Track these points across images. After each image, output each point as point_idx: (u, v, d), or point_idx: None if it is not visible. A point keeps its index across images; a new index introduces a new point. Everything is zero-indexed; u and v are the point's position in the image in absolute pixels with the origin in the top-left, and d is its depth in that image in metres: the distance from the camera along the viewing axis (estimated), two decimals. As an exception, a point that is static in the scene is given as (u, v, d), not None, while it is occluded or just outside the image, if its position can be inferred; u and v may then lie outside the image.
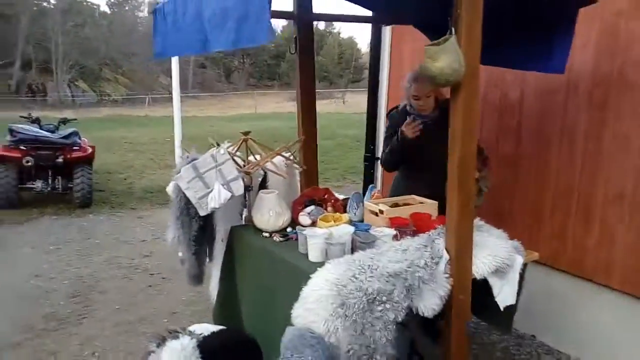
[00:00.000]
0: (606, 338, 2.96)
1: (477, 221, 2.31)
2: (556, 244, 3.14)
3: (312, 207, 2.82)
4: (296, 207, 2.79)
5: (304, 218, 2.75)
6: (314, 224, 2.72)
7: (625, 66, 2.76)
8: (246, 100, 32.14)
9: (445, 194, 2.88)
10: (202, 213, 2.53)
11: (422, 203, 2.70)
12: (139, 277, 4.62)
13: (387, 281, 1.85)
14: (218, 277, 2.89)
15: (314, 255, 2.22)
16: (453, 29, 1.85)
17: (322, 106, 29.38)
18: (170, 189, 2.75)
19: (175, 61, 5.23)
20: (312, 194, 2.88)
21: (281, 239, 2.52)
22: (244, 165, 2.64)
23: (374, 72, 4.36)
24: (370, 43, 4.36)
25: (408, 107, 2.98)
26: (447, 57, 1.81)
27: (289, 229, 2.66)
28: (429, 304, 1.90)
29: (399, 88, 4.30)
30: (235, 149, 2.69)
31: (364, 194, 2.95)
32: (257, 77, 47.37)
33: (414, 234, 2.30)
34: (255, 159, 2.79)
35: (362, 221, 2.62)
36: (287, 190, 3.02)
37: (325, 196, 2.87)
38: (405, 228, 2.33)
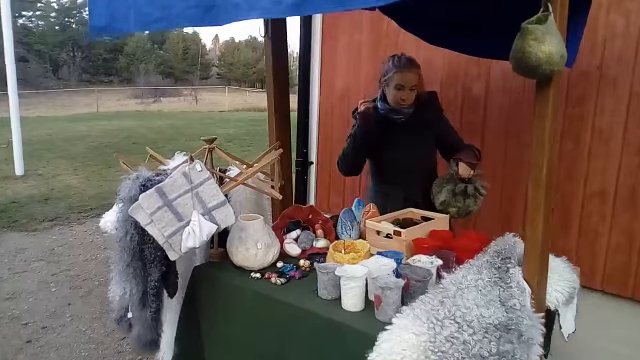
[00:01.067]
0: (591, 339, 2.88)
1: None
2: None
3: (298, 231, 2.25)
4: (277, 233, 2.18)
5: (291, 247, 2.17)
6: (304, 253, 2.15)
7: (606, 61, 2.67)
8: (82, 98, 28.68)
9: (421, 200, 2.54)
10: (173, 257, 1.79)
11: (431, 219, 2.29)
12: (8, 330, 3.50)
13: (498, 338, 1.39)
14: (170, 336, 2.14)
15: (352, 304, 1.67)
16: (549, 5, 1.45)
17: (173, 104, 27.67)
18: (107, 224, 1.94)
19: (8, 50, 4.05)
20: (294, 214, 2.29)
21: (282, 280, 1.90)
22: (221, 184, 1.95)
23: (304, 66, 3.84)
24: (300, 33, 3.82)
25: (378, 103, 2.54)
26: (554, 40, 1.41)
27: (279, 264, 2.05)
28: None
29: (331, 84, 3.88)
30: (203, 161, 1.98)
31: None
32: (91, 72, 42.90)
33: (458, 261, 1.88)
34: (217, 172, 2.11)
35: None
36: (255, 210, 2.38)
37: (310, 216, 2.30)
38: (444, 254, 1.89)
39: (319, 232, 2.26)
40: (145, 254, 1.85)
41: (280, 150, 2.09)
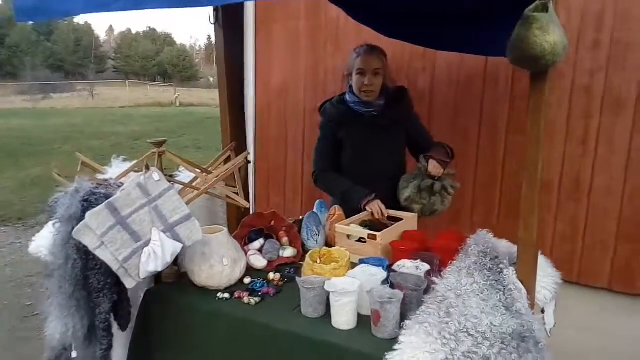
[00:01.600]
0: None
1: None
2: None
3: (261, 240, 2.04)
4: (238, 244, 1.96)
5: (256, 258, 1.96)
6: (271, 264, 1.95)
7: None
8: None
9: (390, 203, 2.46)
10: (130, 284, 1.51)
11: (399, 219, 2.19)
12: None
13: (516, 348, 1.29)
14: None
15: (345, 321, 1.51)
16: (548, -7, 1.37)
17: (66, 101, 25.48)
18: (40, 249, 1.60)
19: None
20: (256, 222, 2.07)
21: (256, 299, 1.68)
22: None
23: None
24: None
25: (347, 96, 2.40)
26: (557, 30, 1.34)
27: (247, 280, 1.83)
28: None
29: (267, 78, 3.64)
30: (155, 166, 1.70)
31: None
32: (-35, 65, 38.45)
33: (442, 264, 1.78)
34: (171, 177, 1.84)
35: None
36: (208, 220, 2.14)
37: (273, 222, 2.10)
38: (427, 257, 1.79)
39: (284, 240, 2.07)
40: (92, 282, 1.55)
41: (248, 152, 1.86)
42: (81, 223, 1.42)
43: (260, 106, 3.66)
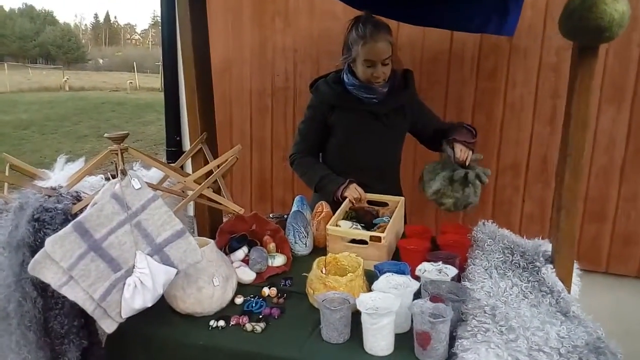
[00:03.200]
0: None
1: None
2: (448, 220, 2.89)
3: (245, 248, 1.73)
4: (217, 256, 1.62)
5: (243, 271, 1.66)
6: (260, 276, 1.67)
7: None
8: None
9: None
10: (109, 328, 1.14)
11: (383, 204, 1.98)
12: None
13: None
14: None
15: (384, 346, 1.27)
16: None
17: None
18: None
19: None
20: (236, 227, 1.75)
21: (261, 325, 1.38)
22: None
23: (169, 35, 3.12)
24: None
25: (345, 76, 2.06)
26: (623, -2, 1.16)
27: (238, 300, 1.52)
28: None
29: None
30: (119, 168, 1.31)
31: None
32: None
33: (462, 264, 1.60)
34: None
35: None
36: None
37: (255, 226, 1.79)
38: (444, 256, 1.59)
39: (271, 246, 1.76)
40: (53, 325, 1.16)
41: (239, 147, 1.52)
42: (39, 253, 1.03)
43: (199, 89, 3.24)
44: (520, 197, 2.77)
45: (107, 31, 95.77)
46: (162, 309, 1.44)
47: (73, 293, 1.06)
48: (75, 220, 1.07)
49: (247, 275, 1.64)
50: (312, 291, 1.47)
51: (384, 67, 1.96)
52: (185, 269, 1.23)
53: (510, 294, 1.37)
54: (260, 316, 1.44)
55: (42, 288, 1.11)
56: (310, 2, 2.92)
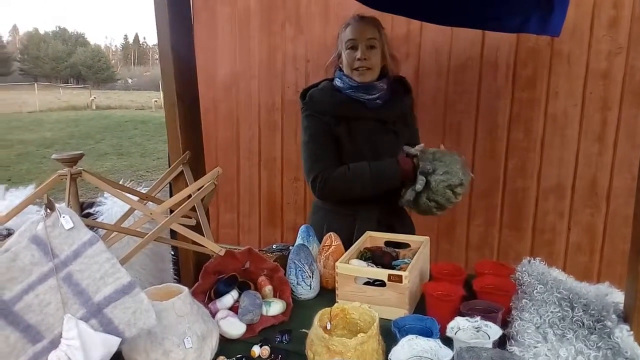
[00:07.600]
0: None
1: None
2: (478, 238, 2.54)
3: (234, 293, 1.42)
4: (198, 301, 1.31)
5: (229, 323, 1.34)
6: (252, 329, 1.35)
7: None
8: None
9: (398, 222, 1.92)
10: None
11: (405, 245, 1.64)
12: None
13: None
14: None
15: None
16: None
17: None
18: None
19: None
20: (224, 266, 1.44)
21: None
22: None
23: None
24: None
25: (338, 81, 1.83)
26: None
27: (220, 361, 1.20)
28: None
29: (211, 71, 2.93)
30: (66, 195, 1.02)
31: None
32: None
33: (503, 316, 1.25)
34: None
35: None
36: (152, 268, 1.48)
37: (248, 264, 1.47)
38: (483, 307, 1.25)
39: (267, 289, 1.45)
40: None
41: (219, 170, 1.22)
42: None
43: (204, 105, 2.97)
44: (565, 225, 2.40)
45: (136, 52, 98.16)
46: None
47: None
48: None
49: (235, 328, 1.32)
50: (313, 355, 1.15)
51: (369, 51, 1.76)
52: (134, 335, 0.92)
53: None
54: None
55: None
56: (324, 6, 2.64)
